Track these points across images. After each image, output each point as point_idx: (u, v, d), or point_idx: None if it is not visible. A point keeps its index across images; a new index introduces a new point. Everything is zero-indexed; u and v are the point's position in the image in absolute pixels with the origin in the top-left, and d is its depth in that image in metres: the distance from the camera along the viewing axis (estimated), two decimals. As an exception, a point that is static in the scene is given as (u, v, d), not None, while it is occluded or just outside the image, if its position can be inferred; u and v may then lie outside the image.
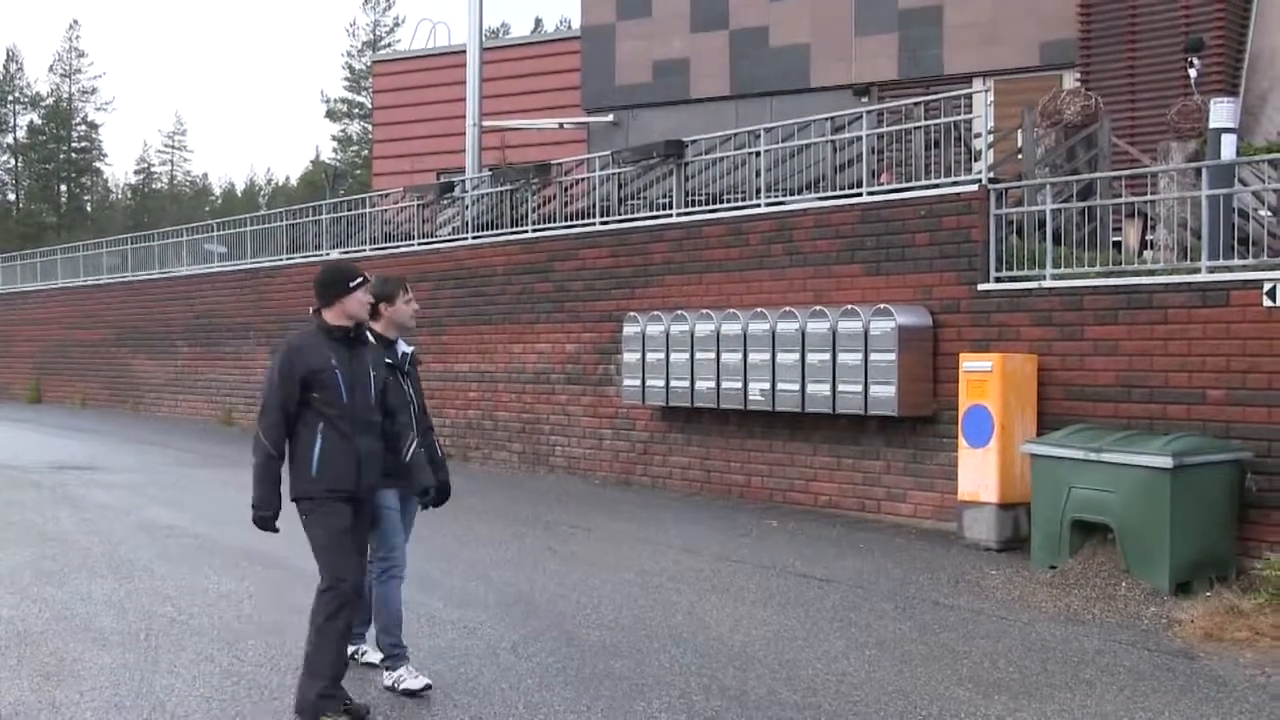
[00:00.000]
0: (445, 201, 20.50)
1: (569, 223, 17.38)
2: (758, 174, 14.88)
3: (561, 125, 25.89)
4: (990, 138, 14.18)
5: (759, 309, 13.61)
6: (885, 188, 13.68)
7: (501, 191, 18.76)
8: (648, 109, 23.83)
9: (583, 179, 17.83)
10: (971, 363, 11.43)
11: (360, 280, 6.33)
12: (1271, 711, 6.82)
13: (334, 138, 78.75)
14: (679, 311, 14.54)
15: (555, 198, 18.05)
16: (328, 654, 6.15)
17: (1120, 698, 6.97)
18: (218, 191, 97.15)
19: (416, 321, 7.50)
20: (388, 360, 6.81)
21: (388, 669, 6.84)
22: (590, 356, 16.37)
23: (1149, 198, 12.66)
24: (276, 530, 6.24)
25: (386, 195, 22.66)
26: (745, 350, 13.57)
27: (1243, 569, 9.60)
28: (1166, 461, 9.19)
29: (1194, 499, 9.35)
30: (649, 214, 16.20)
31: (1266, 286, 9.93)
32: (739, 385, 13.67)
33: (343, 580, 6.15)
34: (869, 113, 14.39)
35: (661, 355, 14.53)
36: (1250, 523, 9.84)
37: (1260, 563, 9.28)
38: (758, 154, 14.93)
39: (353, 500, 6.24)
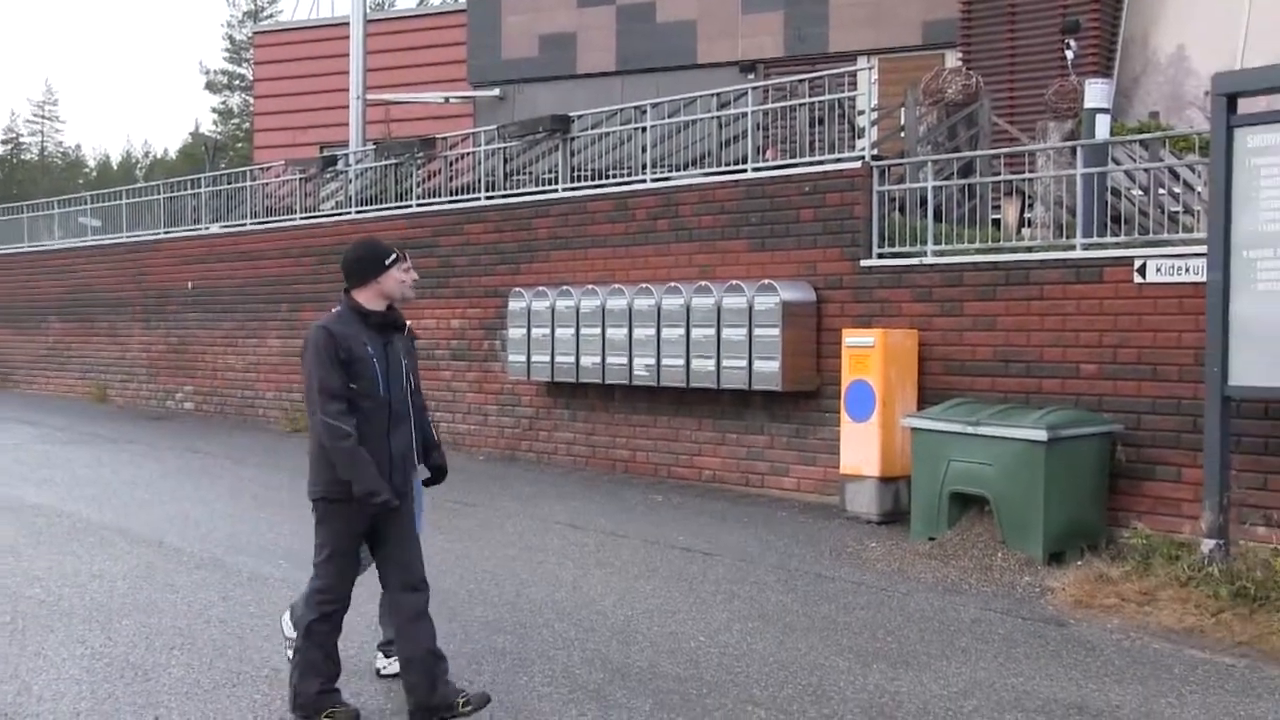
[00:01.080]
0: (328, 175, 20.20)
1: (454, 198, 17.24)
2: (644, 149, 14.88)
3: (447, 99, 25.68)
4: (874, 115, 14.36)
5: (645, 284, 13.62)
6: (770, 164, 13.76)
7: (386, 166, 18.53)
8: (534, 84, 23.72)
9: (468, 153, 17.68)
10: (854, 338, 11.56)
11: (395, 257, 5.85)
12: (1135, 673, 7.01)
13: (214, 110, 77.12)
14: (565, 287, 14.50)
15: (440, 172, 17.89)
16: (318, 653, 5.80)
17: (994, 664, 7.11)
18: (92, 163, 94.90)
19: (416, 292, 6.75)
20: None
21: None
22: (476, 332, 16.27)
23: (1027, 176, 12.88)
24: (398, 505, 5.71)
25: (268, 168, 22.26)
26: (630, 326, 13.59)
27: (1112, 538, 9.84)
28: (1041, 434, 9.37)
29: (1067, 471, 9.56)
30: (535, 189, 16.11)
31: (1137, 264, 10.16)
32: (624, 361, 13.68)
33: (341, 589, 5.81)
34: (754, 89, 14.44)
35: (547, 331, 14.49)
36: (1120, 493, 10.09)
37: (1128, 532, 9.52)
38: (644, 130, 14.92)
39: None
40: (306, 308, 18.77)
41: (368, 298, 5.81)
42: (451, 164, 17.88)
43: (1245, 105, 9.18)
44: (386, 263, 5.82)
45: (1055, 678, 6.89)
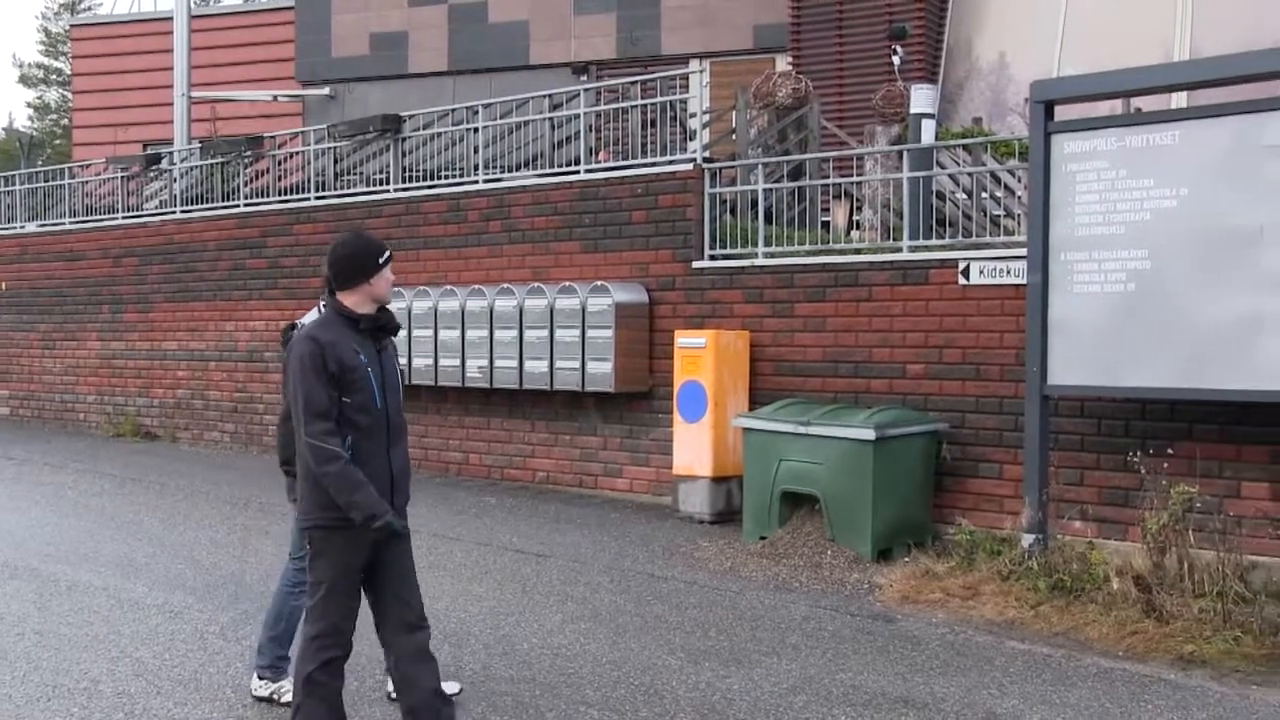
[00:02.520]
0: (152, 174, 19.63)
1: (283, 197, 16.89)
2: (476, 150, 14.76)
3: (275, 98, 25.15)
4: (705, 118, 14.46)
5: (477, 286, 13.51)
6: (603, 166, 13.76)
7: (212, 164, 18.07)
8: (365, 83, 23.38)
9: (297, 152, 17.35)
10: (686, 339, 11.62)
11: (388, 256, 5.27)
12: (958, 665, 7.17)
13: (29, 104, 74.43)
14: (396, 288, 14.28)
15: (269, 171, 17.52)
16: (322, 708, 5.12)
17: (823, 660, 7.20)
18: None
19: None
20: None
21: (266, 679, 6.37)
22: (305, 334, 15.92)
23: (855, 179, 13.11)
24: (403, 530, 5.18)
25: (88, 165, 21.54)
26: (463, 327, 13.46)
27: (938, 534, 10.06)
28: (869, 433, 9.53)
29: (894, 469, 9.74)
30: (366, 190, 15.87)
31: (961, 265, 10.40)
32: (457, 363, 13.55)
33: (344, 631, 5.13)
34: (587, 91, 14.43)
35: (378, 332, 14.24)
36: (945, 490, 10.32)
37: (953, 528, 9.73)
38: (476, 130, 14.80)
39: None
40: (129, 309, 18.24)
41: (356, 301, 5.15)
42: (280, 163, 17.52)
43: (1063, 112, 9.46)
44: (380, 261, 5.18)
45: (882, 672, 7.00)
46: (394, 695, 5.66)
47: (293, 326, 6.18)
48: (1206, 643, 7.35)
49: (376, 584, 5.21)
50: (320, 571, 5.10)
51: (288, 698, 5.88)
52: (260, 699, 6.34)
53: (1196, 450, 8.91)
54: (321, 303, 5.88)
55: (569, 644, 7.47)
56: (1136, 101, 10.50)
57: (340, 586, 5.09)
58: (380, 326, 5.19)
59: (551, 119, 14.48)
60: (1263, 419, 8.63)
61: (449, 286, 13.81)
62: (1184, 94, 12.34)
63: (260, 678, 6.39)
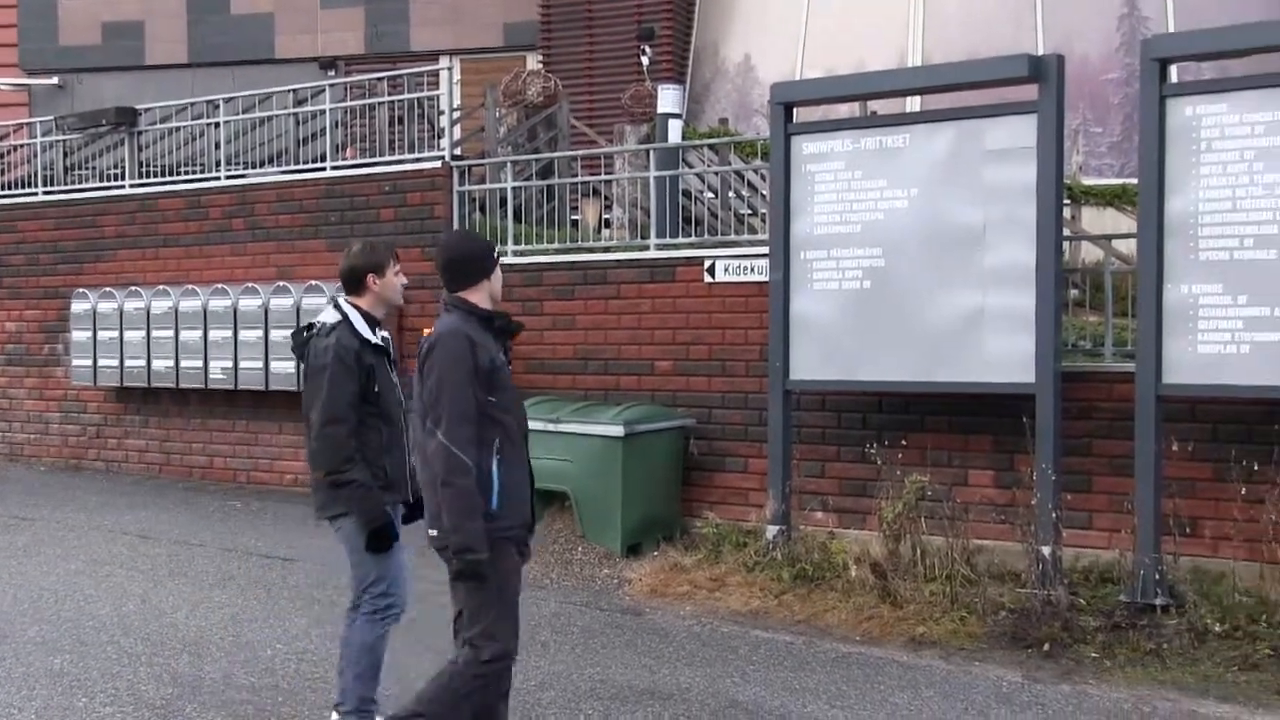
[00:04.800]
0: None
1: (7, 192, 16.04)
2: (217, 145, 14.32)
3: (-4, 87, 23.89)
4: (455, 116, 14.36)
5: (220, 285, 13.12)
6: (349, 163, 13.55)
7: (-72, 156, 17.06)
8: (97, 73, 22.39)
9: (22, 145, 16.53)
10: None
11: (498, 253, 5.09)
12: (704, 656, 7.32)
13: None
14: (134, 288, 13.80)
15: (-9, 164, 16.65)
16: None
17: (572, 656, 7.24)
18: None
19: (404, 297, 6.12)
20: (380, 345, 5.61)
21: None
22: (35, 335, 15.22)
23: (604, 178, 13.21)
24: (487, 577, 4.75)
25: None
26: (206, 328, 13.06)
27: (686, 528, 10.22)
28: (618, 430, 9.62)
29: (643, 465, 9.86)
30: (99, 184, 15.23)
31: (707, 264, 10.60)
32: (199, 364, 13.14)
33: (512, 650, 4.89)
34: (333, 86, 14.18)
35: (115, 334, 13.73)
36: (693, 485, 10.49)
37: (701, 522, 9.92)
38: (217, 125, 14.36)
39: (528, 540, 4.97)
40: None
41: (481, 299, 4.94)
42: (3, 156, 16.66)
43: (804, 114, 9.75)
44: (496, 256, 5.04)
45: (630, 665, 7.08)
46: None
47: (307, 328, 5.64)
48: (936, 624, 7.69)
49: None
50: (483, 589, 4.76)
51: None
52: None
53: (928, 441, 9.29)
54: (342, 299, 5.62)
55: (315, 648, 7.33)
56: (873, 105, 10.88)
57: (509, 599, 4.85)
58: (506, 329, 5.00)
59: (297, 114, 14.18)
60: (987, 410, 9.05)
61: (190, 286, 13.38)
62: (918, 99, 12.88)
63: None
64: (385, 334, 5.73)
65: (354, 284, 5.65)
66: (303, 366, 5.61)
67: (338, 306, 5.60)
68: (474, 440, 4.65)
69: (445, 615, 4.99)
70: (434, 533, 4.74)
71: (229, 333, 12.90)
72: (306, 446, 5.62)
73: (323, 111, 13.75)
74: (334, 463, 5.36)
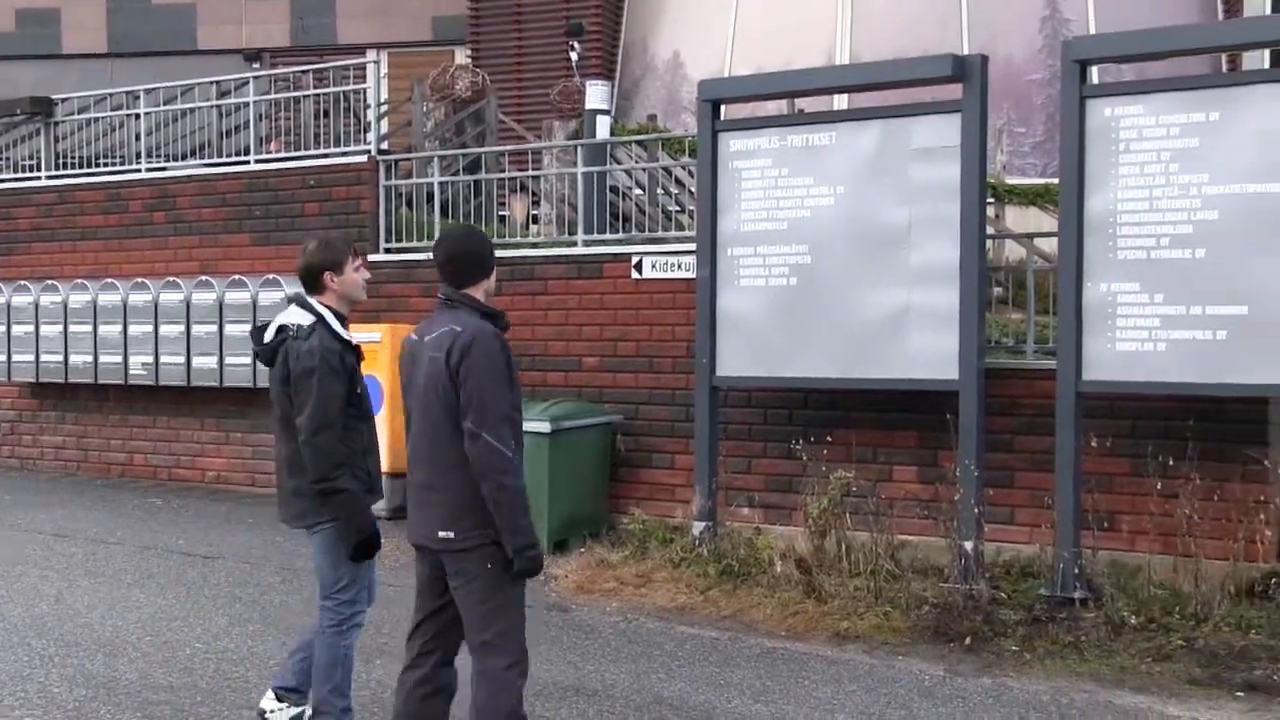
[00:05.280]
0: None
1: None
2: (138, 137, 14.13)
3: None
4: (382, 110, 14.25)
5: (140, 279, 12.95)
6: (274, 156, 13.41)
7: None
8: (11, 61, 21.95)
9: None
10: (361, 334, 11.39)
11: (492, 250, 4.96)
12: (630, 652, 7.31)
13: None
14: (51, 281, 13.57)
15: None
16: None
17: (498, 653, 7.20)
18: None
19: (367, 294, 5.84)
20: (356, 345, 5.45)
21: None
22: (-50, 330, 14.92)
23: (532, 173, 13.16)
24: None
25: None
26: (125, 322, 12.88)
27: (613, 525, 10.22)
28: (545, 426, 9.58)
29: (570, 461, 9.83)
30: (13, 176, 14.96)
31: (635, 260, 10.60)
32: (119, 359, 12.96)
33: (525, 652, 4.74)
34: (257, 79, 14.01)
35: (31, 328, 13.50)
36: (621, 481, 10.49)
37: (627, 518, 9.92)
38: (138, 116, 14.16)
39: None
40: None
41: (484, 297, 4.82)
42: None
43: (733, 111, 9.77)
44: (494, 254, 4.94)
45: (555, 662, 7.06)
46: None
47: (277, 330, 5.39)
48: (860, 619, 7.73)
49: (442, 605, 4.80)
50: (510, 592, 4.66)
51: None
52: None
53: (853, 437, 9.35)
54: (313, 299, 5.39)
55: (236, 647, 7.24)
56: (801, 103, 10.92)
57: (520, 601, 4.72)
58: (506, 326, 4.83)
59: (220, 107, 14.00)
60: (912, 406, 9.12)
61: (110, 280, 13.18)
62: (845, 97, 12.95)
63: None
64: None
65: (312, 283, 5.44)
66: (277, 370, 5.36)
67: (308, 307, 5.38)
68: (514, 440, 4.59)
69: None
70: (450, 535, 4.59)
71: (149, 328, 12.73)
72: (277, 451, 5.48)
73: (247, 104, 13.58)
74: (324, 470, 5.19)
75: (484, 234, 5.10)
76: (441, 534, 4.61)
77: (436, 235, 11.64)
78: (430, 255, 5.09)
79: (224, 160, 13.57)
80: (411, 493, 4.78)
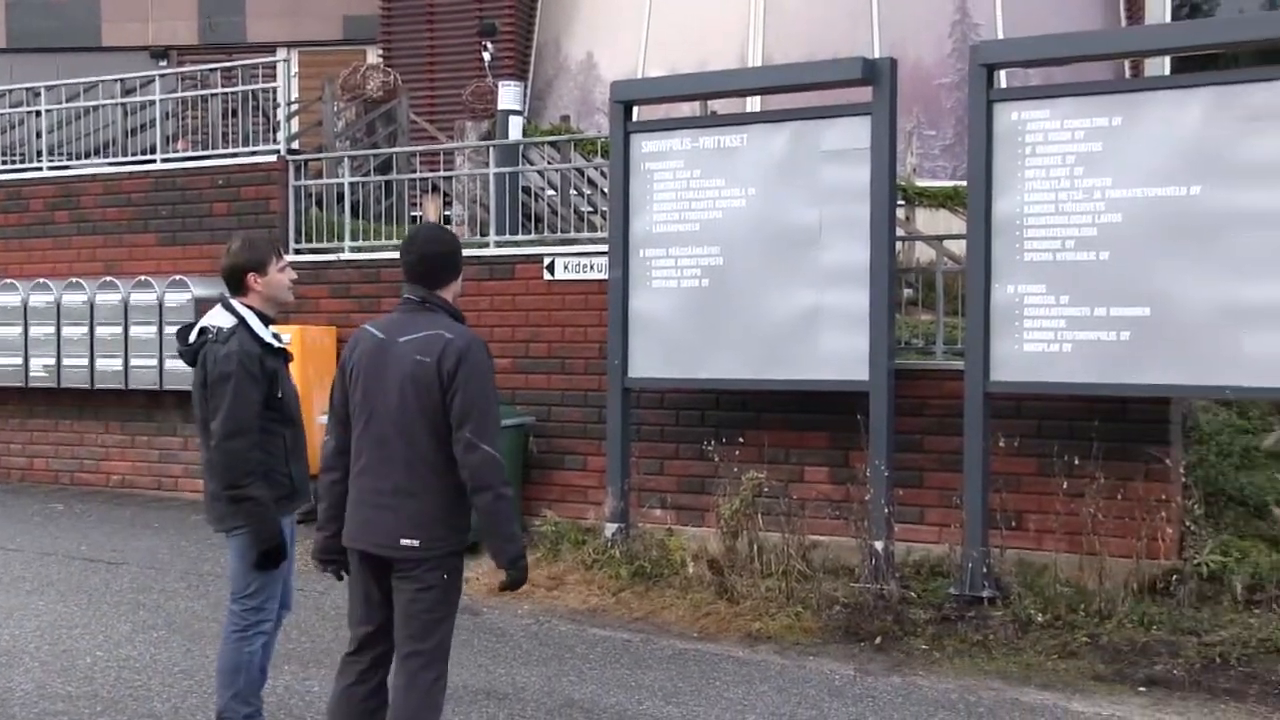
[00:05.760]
0: None
1: None
2: (39, 135, 13.84)
3: None
4: (292, 109, 14.09)
5: (42, 280, 12.67)
6: (181, 155, 13.18)
7: None
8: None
9: None
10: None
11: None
12: (541, 655, 7.28)
13: None
14: (-50, 281, 13.26)
15: None
16: None
17: (407, 657, 7.12)
18: None
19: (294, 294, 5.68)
20: (279, 348, 5.33)
21: None
22: None
23: (444, 174, 13.07)
24: None
25: None
26: (26, 324, 12.61)
27: (525, 527, 10.13)
28: (456, 427, 9.49)
29: (482, 462, 9.74)
30: (-90, 173, 14.60)
31: (547, 261, 10.56)
32: (19, 361, 12.68)
33: (447, 664, 4.71)
34: (164, 76, 13.78)
35: (-73, 330, 13.19)
36: (533, 483, 10.44)
37: (540, 520, 9.86)
38: (39, 113, 13.87)
39: None
40: None
41: (451, 297, 4.72)
42: None
43: (647, 113, 9.76)
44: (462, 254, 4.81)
45: (466, 665, 7.00)
46: None
47: (199, 331, 5.29)
48: (772, 619, 7.76)
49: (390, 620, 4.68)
50: (452, 600, 4.62)
51: None
52: None
53: (765, 438, 9.37)
54: (236, 301, 5.29)
55: (139, 654, 7.11)
56: (714, 105, 10.94)
57: (454, 616, 4.69)
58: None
59: (125, 104, 13.75)
60: (823, 407, 9.16)
61: (9, 280, 12.89)
62: (757, 99, 13.00)
63: None
64: (277, 333, 5.42)
65: (235, 284, 5.33)
66: (197, 372, 5.27)
67: (231, 309, 5.30)
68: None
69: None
70: (414, 543, 4.46)
71: (51, 329, 12.47)
72: (202, 455, 5.40)
73: (153, 102, 13.35)
74: (234, 477, 5.12)
75: (454, 233, 4.96)
76: (405, 541, 4.47)
77: (348, 237, 11.61)
78: (397, 255, 4.97)
79: (130, 159, 13.32)
80: (362, 497, 4.59)
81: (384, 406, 4.52)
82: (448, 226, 13.49)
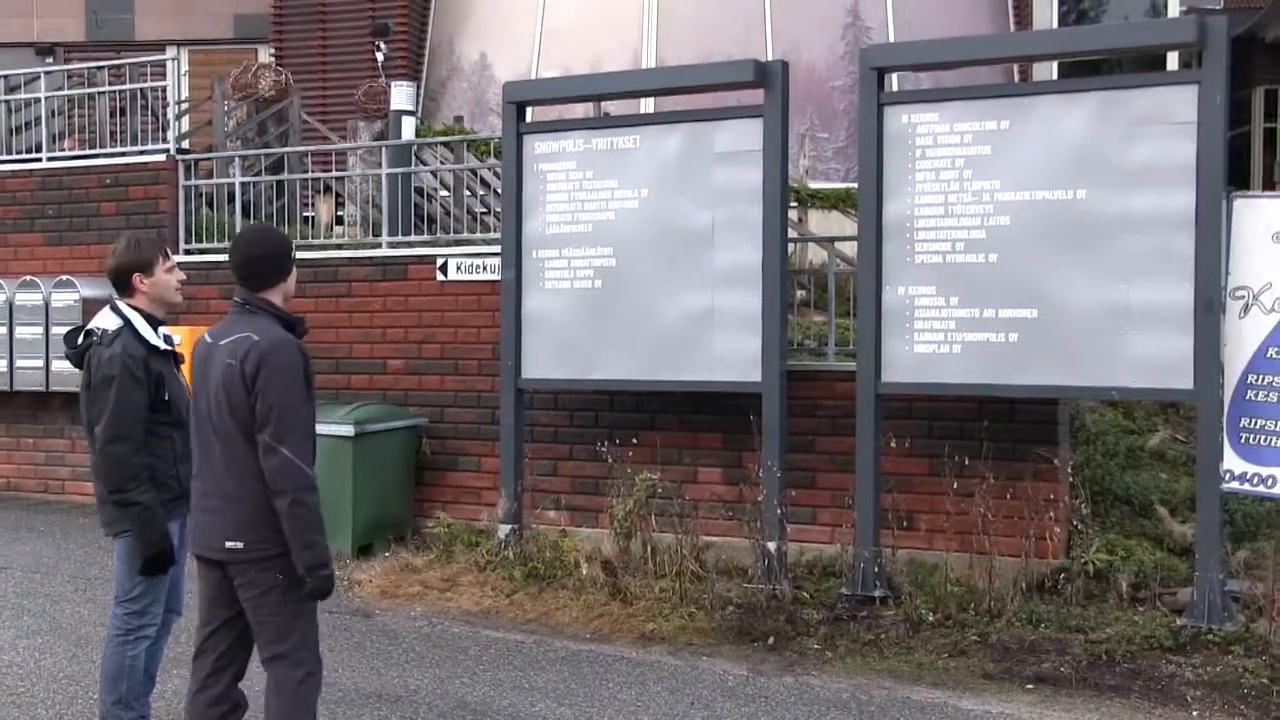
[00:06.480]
0: None
1: None
2: (-80, 132, 13.48)
3: None
4: (181, 108, 13.87)
5: (-78, 280, 12.36)
6: (68, 154, 12.94)
7: None
8: None
9: None
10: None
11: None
12: (434, 657, 7.23)
13: None
14: None
15: None
16: None
17: (298, 662, 7.04)
18: None
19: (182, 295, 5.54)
20: (166, 350, 5.26)
21: None
22: None
23: (336, 174, 12.94)
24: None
25: None
26: (-95, 325, 12.27)
27: (419, 528, 10.10)
28: (349, 430, 9.42)
29: (375, 464, 9.69)
30: None
31: (440, 262, 10.50)
32: (-102, 363, 12.34)
33: (320, 662, 4.65)
34: (50, 74, 13.49)
35: None
36: (425, 484, 10.38)
37: (433, 521, 9.81)
38: (-81, 110, 13.52)
39: None
40: None
41: (280, 300, 4.64)
42: None
43: (541, 114, 9.75)
44: (294, 257, 4.73)
45: (357, 668, 6.94)
46: None
47: (85, 334, 5.22)
48: (665, 620, 7.78)
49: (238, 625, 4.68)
50: (298, 604, 4.51)
51: None
52: None
53: (659, 439, 9.40)
54: (121, 303, 5.22)
55: (22, 660, 6.96)
56: (607, 106, 10.95)
57: (314, 611, 4.60)
58: (303, 331, 4.68)
59: (8, 102, 13.44)
60: (716, 408, 9.21)
61: (-113, 280, 12.55)
62: (651, 101, 13.04)
63: None
64: (168, 334, 5.38)
65: (121, 285, 5.29)
66: (83, 375, 5.21)
67: (117, 311, 5.24)
68: (312, 455, 4.47)
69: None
70: (239, 545, 4.45)
71: (-67, 331, 12.17)
72: (90, 458, 5.32)
73: (38, 99, 13.07)
74: (118, 482, 5.07)
75: (282, 234, 4.88)
76: (229, 544, 4.47)
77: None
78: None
79: (14, 157, 13.03)
80: (195, 501, 4.63)
81: (206, 411, 4.53)
82: (340, 225, 13.44)
